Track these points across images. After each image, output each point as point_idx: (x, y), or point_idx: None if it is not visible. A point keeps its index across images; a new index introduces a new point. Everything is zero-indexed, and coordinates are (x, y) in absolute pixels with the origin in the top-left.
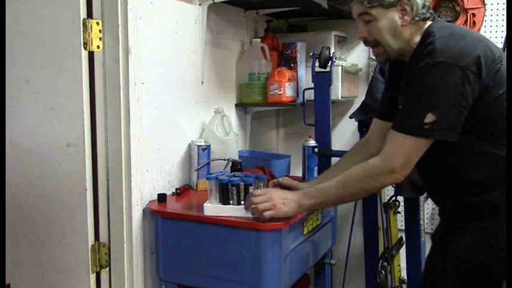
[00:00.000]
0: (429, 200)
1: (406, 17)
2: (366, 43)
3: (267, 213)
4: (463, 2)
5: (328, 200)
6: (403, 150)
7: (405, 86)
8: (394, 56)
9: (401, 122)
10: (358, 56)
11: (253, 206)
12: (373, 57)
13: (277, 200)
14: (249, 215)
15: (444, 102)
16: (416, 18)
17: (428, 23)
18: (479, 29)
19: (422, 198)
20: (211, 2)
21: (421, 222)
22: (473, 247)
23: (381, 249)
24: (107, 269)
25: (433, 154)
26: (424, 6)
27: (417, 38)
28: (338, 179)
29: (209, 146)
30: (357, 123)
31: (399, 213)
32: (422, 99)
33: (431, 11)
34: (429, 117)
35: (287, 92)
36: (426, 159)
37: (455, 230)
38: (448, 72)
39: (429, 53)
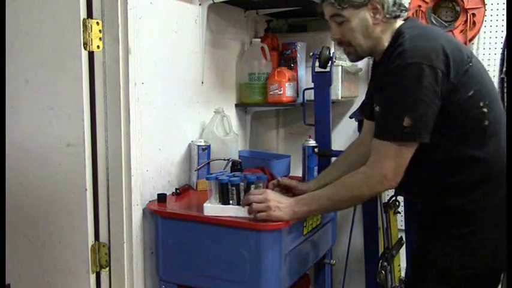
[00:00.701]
0: None
1: (377, 16)
2: (340, 44)
3: (259, 215)
4: (463, 2)
5: (320, 207)
6: (389, 156)
7: (376, 84)
8: (365, 54)
9: (381, 129)
10: None
11: (249, 204)
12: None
13: (273, 203)
14: (247, 214)
15: (420, 103)
16: (388, 16)
17: (399, 22)
18: (479, 29)
19: None
20: (211, 2)
21: None
22: (458, 256)
23: (381, 249)
24: (107, 269)
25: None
26: (394, 3)
27: (387, 37)
28: (330, 187)
29: (209, 146)
30: (357, 123)
31: (399, 213)
32: (397, 103)
33: (402, 7)
34: (407, 121)
35: (287, 92)
36: None
37: (437, 236)
38: (420, 73)
39: (399, 55)
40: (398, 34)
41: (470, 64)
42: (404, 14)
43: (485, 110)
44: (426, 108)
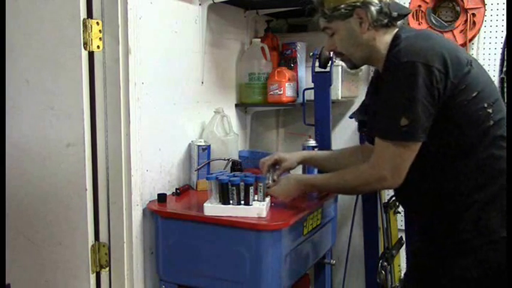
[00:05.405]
0: None
1: (363, 25)
2: (335, 54)
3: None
4: (463, 2)
5: (324, 186)
6: (387, 157)
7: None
8: (359, 63)
9: (380, 127)
10: None
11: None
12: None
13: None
14: (250, 215)
15: (415, 101)
16: (375, 24)
17: (396, 29)
18: (479, 29)
19: None
20: (211, 2)
21: None
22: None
23: (381, 249)
24: (107, 269)
25: None
26: (380, 12)
27: (383, 44)
28: (334, 174)
29: (209, 146)
30: (357, 123)
31: (399, 213)
32: (394, 102)
33: (394, 15)
34: (404, 121)
35: (287, 92)
36: None
37: (454, 253)
38: (414, 71)
39: (394, 55)
40: (394, 39)
41: (471, 67)
42: (396, 23)
43: (490, 110)
44: (422, 107)
